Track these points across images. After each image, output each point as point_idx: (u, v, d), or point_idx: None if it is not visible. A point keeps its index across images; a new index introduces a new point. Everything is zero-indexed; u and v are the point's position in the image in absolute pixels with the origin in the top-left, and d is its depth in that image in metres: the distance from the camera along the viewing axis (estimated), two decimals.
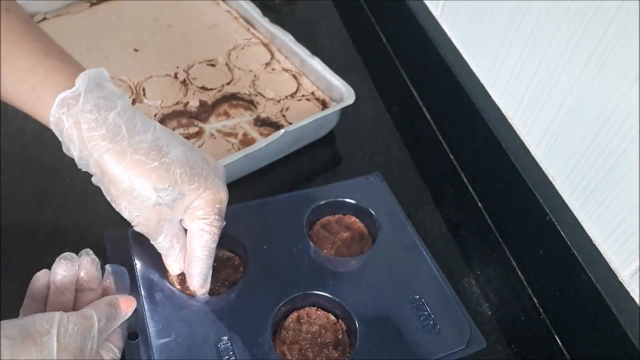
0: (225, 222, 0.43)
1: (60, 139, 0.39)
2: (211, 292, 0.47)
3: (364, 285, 0.48)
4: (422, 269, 0.50)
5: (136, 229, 0.41)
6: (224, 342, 0.43)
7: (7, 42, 0.38)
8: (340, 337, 0.46)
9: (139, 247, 0.48)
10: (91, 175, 0.57)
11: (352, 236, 0.53)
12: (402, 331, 0.45)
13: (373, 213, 0.53)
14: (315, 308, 0.47)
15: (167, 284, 0.46)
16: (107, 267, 0.44)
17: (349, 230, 0.53)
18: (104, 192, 0.39)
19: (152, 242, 0.42)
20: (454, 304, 0.47)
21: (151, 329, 0.43)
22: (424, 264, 0.50)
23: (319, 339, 0.45)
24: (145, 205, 0.39)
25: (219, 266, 0.48)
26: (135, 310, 0.42)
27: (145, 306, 0.44)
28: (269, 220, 0.51)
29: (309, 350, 0.44)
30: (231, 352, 0.42)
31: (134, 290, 0.45)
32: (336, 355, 0.44)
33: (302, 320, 0.46)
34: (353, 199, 0.54)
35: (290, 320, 0.46)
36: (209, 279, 0.45)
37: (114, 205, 0.40)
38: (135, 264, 0.47)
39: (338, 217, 0.54)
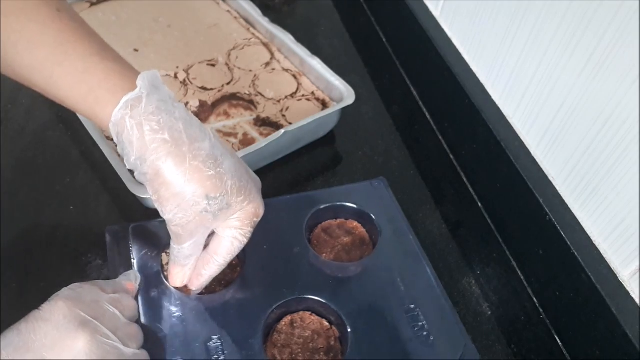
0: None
1: (116, 140, 0.39)
2: (206, 290, 0.47)
3: (360, 292, 0.47)
4: (420, 279, 0.49)
5: (172, 228, 0.41)
6: (214, 341, 0.43)
7: (62, 43, 0.38)
8: (332, 343, 0.45)
9: (138, 244, 0.48)
10: (91, 177, 0.57)
11: (353, 241, 0.52)
12: (394, 341, 0.44)
13: (375, 219, 0.52)
14: (310, 313, 0.47)
15: (164, 280, 0.46)
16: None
17: (350, 235, 0.53)
18: (150, 191, 0.39)
19: (175, 245, 0.42)
20: (449, 316, 0.46)
21: (144, 323, 0.43)
22: (422, 273, 0.49)
23: (310, 344, 0.45)
24: (192, 210, 0.39)
25: None
26: None
27: (140, 301, 0.45)
28: (269, 222, 0.51)
29: (300, 354, 0.44)
30: (220, 352, 0.42)
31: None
32: None
33: (295, 324, 0.46)
34: (355, 204, 0.53)
35: (284, 323, 0.46)
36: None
37: (157, 205, 0.40)
38: (133, 259, 0.47)
39: (340, 222, 0.54)
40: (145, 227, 0.49)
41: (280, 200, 0.53)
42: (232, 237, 0.41)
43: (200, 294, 0.47)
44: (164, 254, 0.48)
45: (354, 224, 0.54)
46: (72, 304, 0.37)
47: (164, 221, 0.49)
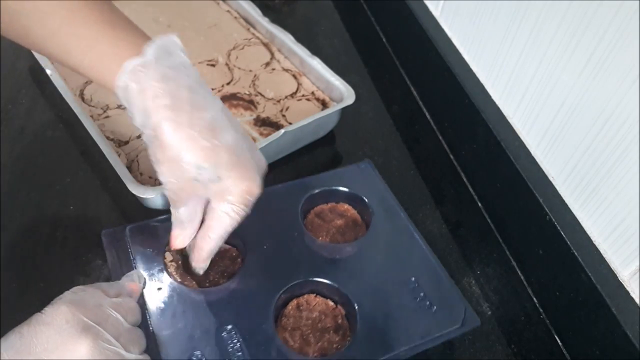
0: (249, 213, 0.43)
1: (125, 104, 0.40)
2: (210, 283, 0.48)
3: (361, 270, 0.49)
4: (416, 252, 0.51)
5: (166, 192, 0.42)
6: (228, 331, 0.44)
7: (74, 12, 0.39)
8: (340, 321, 0.46)
9: (137, 244, 0.48)
10: (91, 177, 0.57)
11: (346, 223, 0.54)
12: (399, 313, 0.46)
13: (366, 200, 0.54)
14: (314, 295, 0.48)
15: (167, 277, 0.47)
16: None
17: (343, 217, 0.54)
18: (149, 152, 0.41)
19: (172, 209, 0.43)
20: (448, 285, 0.48)
21: (153, 322, 0.43)
22: (417, 247, 0.51)
23: (319, 325, 0.46)
24: (183, 176, 0.40)
25: (216, 258, 0.49)
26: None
27: (146, 300, 0.45)
28: (265, 211, 0.52)
29: (311, 335, 0.45)
30: (235, 340, 0.43)
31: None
32: (337, 339, 0.45)
33: (301, 307, 0.47)
34: (346, 187, 0.55)
35: (290, 307, 0.47)
36: (211, 257, 0.45)
37: (154, 167, 0.41)
38: (134, 259, 0.47)
39: (331, 206, 0.55)
40: (143, 227, 0.49)
41: (273, 189, 0.54)
42: (224, 211, 0.42)
43: (205, 287, 0.47)
44: (167, 252, 0.48)
45: (345, 207, 0.55)
46: (75, 308, 0.37)
47: (162, 220, 0.49)
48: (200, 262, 0.45)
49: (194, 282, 0.47)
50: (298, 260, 0.49)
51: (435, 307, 0.46)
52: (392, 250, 0.51)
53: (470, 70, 0.60)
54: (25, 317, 0.36)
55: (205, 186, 0.41)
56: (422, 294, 0.47)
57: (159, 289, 0.46)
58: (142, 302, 0.44)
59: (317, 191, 0.54)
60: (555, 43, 0.46)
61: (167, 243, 0.48)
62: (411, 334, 0.45)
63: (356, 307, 0.45)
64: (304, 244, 0.50)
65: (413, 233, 0.52)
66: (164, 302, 0.45)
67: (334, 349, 0.45)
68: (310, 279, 0.47)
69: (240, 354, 0.42)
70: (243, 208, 0.42)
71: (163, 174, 0.41)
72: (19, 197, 0.55)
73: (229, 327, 0.44)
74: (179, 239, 0.44)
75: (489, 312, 0.51)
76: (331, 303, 0.47)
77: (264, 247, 0.49)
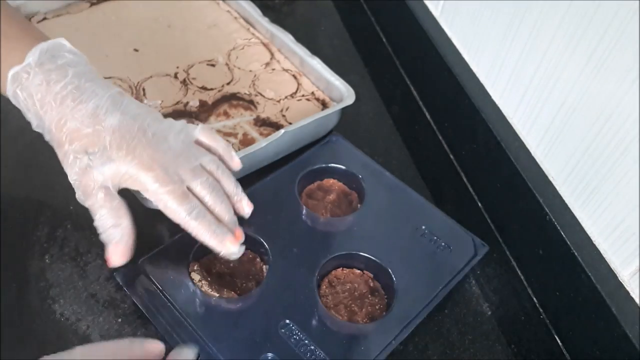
0: (173, 186, 0.42)
1: (22, 110, 0.43)
2: (241, 290, 0.48)
3: (374, 232, 0.52)
4: (414, 202, 0.56)
5: (77, 197, 0.43)
6: (285, 325, 0.44)
7: None
8: (371, 284, 0.49)
9: (159, 275, 0.47)
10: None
11: (338, 196, 0.56)
12: (424, 260, 0.50)
13: (349, 170, 0.56)
14: (340, 268, 0.50)
15: (205, 296, 0.46)
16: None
17: (332, 191, 0.56)
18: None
19: (94, 219, 0.42)
20: (451, 223, 0.54)
21: (209, 341, 0.43)
22: (414, 197, 0.56)
23: (356, 293, 0.48)
24: (80, 168, 0.41)
25: (235, 265, 0.49)
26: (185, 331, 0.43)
27: (193, 323, 0.44)
28: (262, 207, 0.53)
29: (353, 305, 0.47)
30: (295, 332, 0.44)
31: (172, 315, 0.45)
32: (377, 300, 0.48)
33: (334, 283, 0.49)
34: (327, 163, 0.57)
35: (324, 287, 0.49)
36: (231, 219, 0.45)
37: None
38: (161, 289, 0.46)
39: (318, 184, 0.57)
40: (154, 257, 0.49)
41: (263, 184, 0.55)
42: (154, 199, 0.42)
43: (238, 294, 0.47)
44: (192, 273, 0.48)
45: (331, 181, 0.57)
46: None
47: (169, 245, 0.49)
48: (231, 248, 0.43)
49: (232, 292, 0.47)
50: (314, 242, 0.51)
51: (450, 246, 0.51)
52: (395, 206, 0.54)
53: (470, 70, 0.60)
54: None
55: (102, 173, 0.41)
56: (435, 238, 0.52)
57: (201, 308, 0.45)
58: (196, 336, 0.43)
59: (302, 173, 0.56)
60: (555, 43, 0.46)
61: (188, 265, 0.48)
62: (441, 274, 0.49)
63: (386, 266, 0.48)
64: (313, 226, 0.52)
65: (405, 187, 0.56)
66: (216, 321, 0.45)
67: (378, 310, 0.47)
68: (333, 255, 0.49)
69: (306, 342, 0.43)
70: (156, 186, 0.41)
71: (68, 173, 0.42)
72: (19, 197, 0.55)
73: (285, 321, 0.45)
74: (113, 255, 0.42)
75: (489, 312, 0.51)
76: (357, 271, 0.50)
77: (278, 240, 0.50)
